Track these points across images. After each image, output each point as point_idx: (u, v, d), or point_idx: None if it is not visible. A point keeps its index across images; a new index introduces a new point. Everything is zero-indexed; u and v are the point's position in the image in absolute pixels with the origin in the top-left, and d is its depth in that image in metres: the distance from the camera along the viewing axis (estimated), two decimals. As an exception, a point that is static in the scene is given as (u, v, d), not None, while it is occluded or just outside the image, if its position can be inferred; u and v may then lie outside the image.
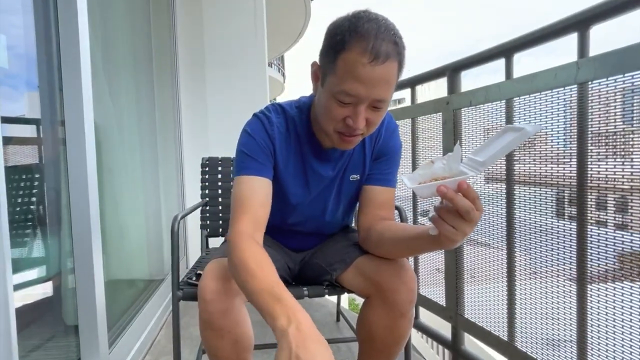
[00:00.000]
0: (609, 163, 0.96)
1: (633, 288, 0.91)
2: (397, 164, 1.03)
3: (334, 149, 0.97)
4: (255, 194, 0.88)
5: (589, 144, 1.00)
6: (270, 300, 0.64)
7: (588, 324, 1.02)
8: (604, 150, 0.97)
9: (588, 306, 1.02)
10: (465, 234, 0.65)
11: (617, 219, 0.96)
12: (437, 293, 1.63)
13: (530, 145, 1.20)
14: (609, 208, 0.97)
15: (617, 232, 0.94)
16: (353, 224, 1.25)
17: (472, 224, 0.64)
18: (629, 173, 0.91)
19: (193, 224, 1.79)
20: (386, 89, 0.78)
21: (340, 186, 1.03)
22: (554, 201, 1.11)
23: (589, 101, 0.99)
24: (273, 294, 0.65)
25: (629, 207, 0.93)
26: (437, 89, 1.62)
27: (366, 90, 0.77)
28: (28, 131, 1.25)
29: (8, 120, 1.12)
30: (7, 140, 1.16)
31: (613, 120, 0.94)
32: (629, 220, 0.93)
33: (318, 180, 1.01)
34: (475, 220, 0.64)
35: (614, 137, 0.95)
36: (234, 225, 0.83)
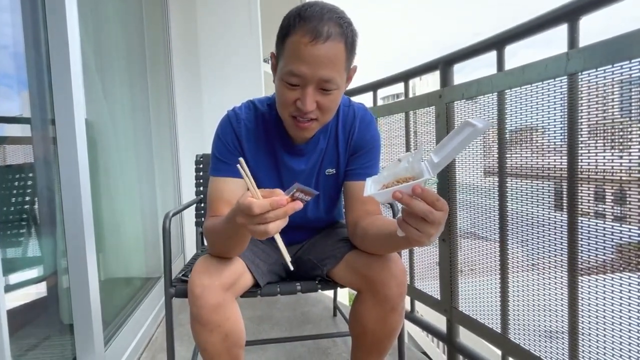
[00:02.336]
0: (599, 155, 0.95)
1: (622, 279, 0.91)
2: (377, 156, 1.03)
3: (305, 144, 0.99)
4: (223, 194, 0.95)
5: (580, 136, 1.00)
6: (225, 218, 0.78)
7: (579, 315, 1.03)
8: (594, 142, 0.97)
9: (579, 297, 1.02)
10: (431, 235, 0.63)
11: (606, 210, 0.96)
12: (432, 287, 1.64)
13: (522, 137, 1.20)
14: (598, 199, 0.97)
15: (607, 223, 0.94)
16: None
17: (436, 225, 0.62)
18: (619, 164, 0.91)
19: (190, 221, 1.80)
20: (331, 69, 0.80)
21: (317, 181, 1.05)
22: (545, 193, 1.11)
23: (579, 92, 0.99)
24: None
25: (620, 199, 0.93)
26: (435, 84, 1.61)
27: (310, 70, 0.79)
28: (19, 130, 1.25)
29: (-2, 119, 1.13)
30: (-2, 140, 1.17)
31: (602, 112, 0.94)
32: (619, 212, 0.93)
33: (291, 175, 1.02)
34: (437, 221, 0.62)
35: (604, 128, 0.95)
36: (204, 222, 0.93)
